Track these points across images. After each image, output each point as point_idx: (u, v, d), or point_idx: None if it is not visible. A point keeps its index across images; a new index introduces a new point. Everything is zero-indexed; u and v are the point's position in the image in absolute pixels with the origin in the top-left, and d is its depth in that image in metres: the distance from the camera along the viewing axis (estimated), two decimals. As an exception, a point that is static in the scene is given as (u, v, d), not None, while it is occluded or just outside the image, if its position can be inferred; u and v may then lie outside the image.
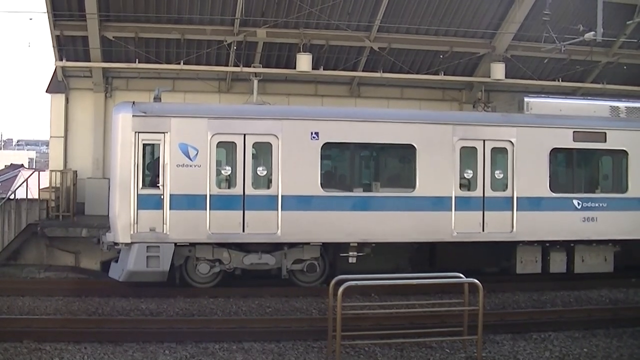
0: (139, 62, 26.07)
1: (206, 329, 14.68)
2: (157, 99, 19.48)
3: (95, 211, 26.08)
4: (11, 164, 59.82)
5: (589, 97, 25.70)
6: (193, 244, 18.84)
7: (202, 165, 18.52)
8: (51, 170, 26.14)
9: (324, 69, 27.28)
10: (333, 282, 12.77)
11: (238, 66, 26.62)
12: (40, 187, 25.26)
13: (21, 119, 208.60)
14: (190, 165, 18.49)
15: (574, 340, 14.35)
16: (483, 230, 19.99)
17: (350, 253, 19.47)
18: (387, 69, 27.95)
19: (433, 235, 19.82)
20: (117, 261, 18.98)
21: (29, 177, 26.19)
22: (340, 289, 12.11)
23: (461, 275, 13.47)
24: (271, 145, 19.00)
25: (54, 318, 15.67)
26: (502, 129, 20.44)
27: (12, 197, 24.21)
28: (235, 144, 18.91)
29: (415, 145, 19.77)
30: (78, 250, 23.29)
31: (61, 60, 25.92)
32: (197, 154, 18.51)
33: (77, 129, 27.58)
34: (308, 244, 19.34)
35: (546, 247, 20.75)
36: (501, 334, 14.56)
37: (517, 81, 28.67)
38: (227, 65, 27.11)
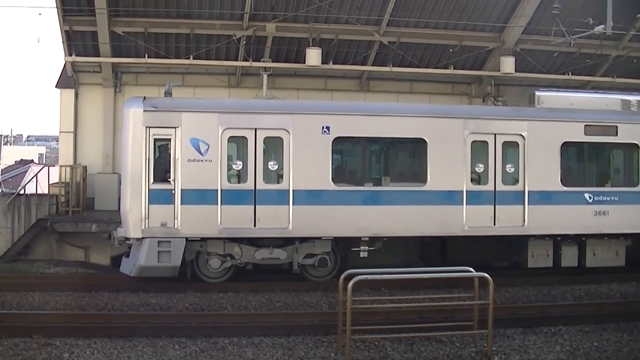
0: (148, 57, 26.08)
1: (216, 323, 14.65)
2: (168, 93, 19.48)
3: (105, 206, 26.18)
4: (21, 159, 59.83)
5: (600, 91, 25.56)
6: (204, 239, 18.82)
7: (213, 160, 18.51)
8: (61, 166, 26.20)
9: (333, 64, 27.20)
10: (343, 276, 12.79)
11: (247, 61, 26.60)
12: (50, 183, 25.32)
13: (31, 115, 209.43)
14: (202, 160, 18.48)
15: (584, 334, 14.32)
16: (494, 225, 19.93)
17: (362, 247, 19.46)
18: (396, 63, 27.96)
19: (444, 230, 19.78)
20: (128, 256, 18.99)
21: (38, 172, 26.23)
22: (350, 284, 12.09)
23: (471, 269, 13.45)
24: (282, 139, 18.97)
25: (64, 313, 15.71)
26: (513, 122, 20.36)
27: (22, 192, 24.23)
28: (246, 138, 18.87)
29: (426, 140, 19.72)
30: (88, 245, 23.33)
31: (70, 55, 25.93)
32: (208, 148, 18.50)
33: (87, 124, 27.67)
34: (319, 238, 19.30)
35: (557, 241, 20.67)
36: (511, 328, 14.54)
37: (527, 75, 28.58)
38: (237, 60, 27.10)
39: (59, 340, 13.08)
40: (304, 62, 26.51)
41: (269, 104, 20.33)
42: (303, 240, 19.25)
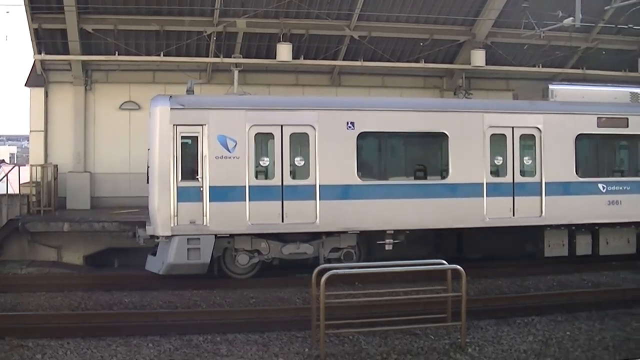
0: (118, 55, 25.98)
1: (190, 321, 14.61)
2: (190, 91, 19.59)
3: (76, 205, 26.09)
4: (-8, 159, 59.23)
5: (610, 84, 25.78)
6: (232, 235, 18.89)
7: (240, 157, 18.57)
8: (31, 165, 25.99)
9: (304, 59, 27.26)
10: (316, 271, 12.79)
11: (218, 57, 26.55)
12: (21, 182, 25.09)
13: (1, 114, 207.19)
14: (229, 157, 18.52)
15: (557, 324, 14.45)
16: (513, 215, 20.28)
17: (387, 240, 19.68)
18: (367, 58, 28.02)
19: (466, 222, 20.07)
20: (154, 254, 18.99)
21: (9, 172, 26.02)
22: (323, 278, 12.08)
23: (444, 261, 13.50)
24: (308, 135, 19.11)
25: (37, 314, 15.54)
26: (529, 116, 20.73)
27: (-8, 192, 24.00)
28: (273, 135, 18.98)
29: (447, 133, 20.00)
30: (60, 245, 23.12)
31: (40, 53, 25.75)
32: (235, 145, 18.54)
33: (57, 122, 27.49)
34: (345, 232, 19.47)
35: (572, 231, 21.07)
36: (485, 320, 14.62)
37: (498, 68, 28.80)
38: (207, 56, 27.07)
39: (31, 342, 12.91)
40: (275, 58, 26.52)
41: (294, 100, 20.82)
42: (329, 234, 19.41)
